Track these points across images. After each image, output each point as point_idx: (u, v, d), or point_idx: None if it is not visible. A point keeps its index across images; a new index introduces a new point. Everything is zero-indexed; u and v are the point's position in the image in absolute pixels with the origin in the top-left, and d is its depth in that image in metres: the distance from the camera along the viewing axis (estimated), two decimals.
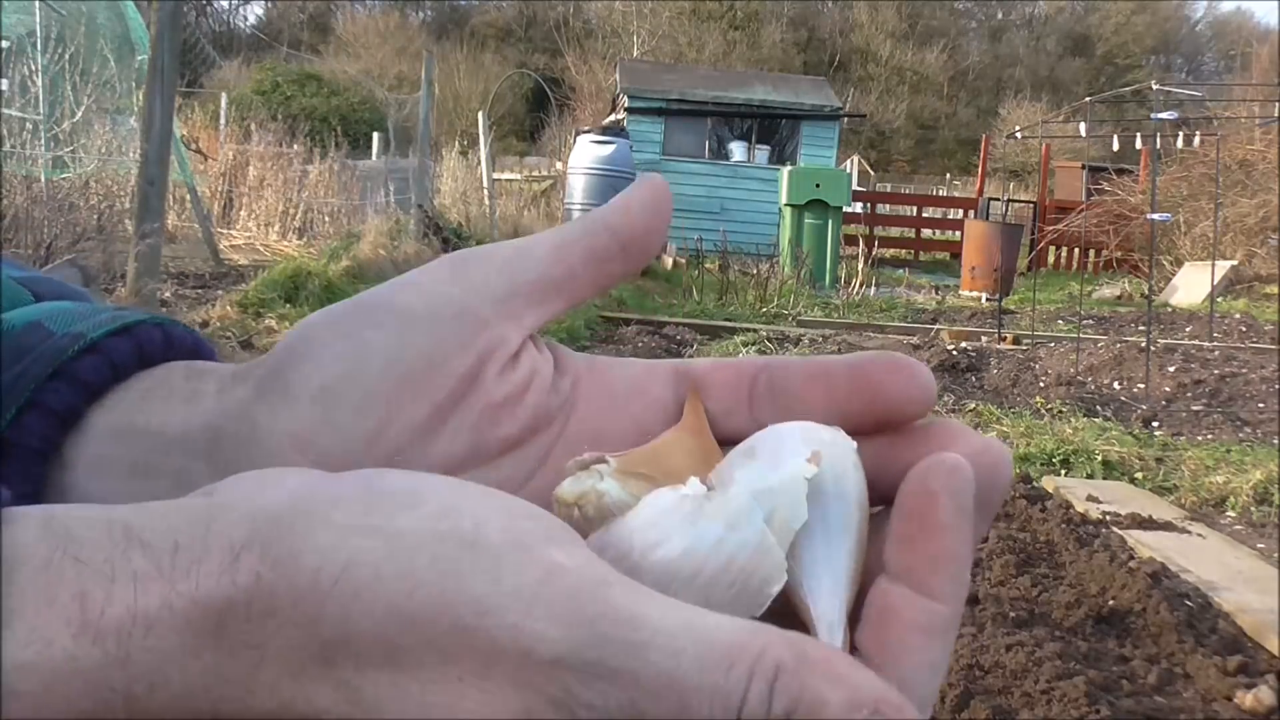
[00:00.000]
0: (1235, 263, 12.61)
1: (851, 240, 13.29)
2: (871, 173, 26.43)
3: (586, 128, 15.91)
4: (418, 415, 0.32)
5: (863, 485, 0.30)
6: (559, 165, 18.88)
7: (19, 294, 0.40)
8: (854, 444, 0.30)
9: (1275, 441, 4.85)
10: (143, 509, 0.26)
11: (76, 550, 0.25)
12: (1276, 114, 12.96)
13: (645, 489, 0.31)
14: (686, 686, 0.23)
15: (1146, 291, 8.08)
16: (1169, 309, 10.62)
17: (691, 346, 7.22)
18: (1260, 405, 5.69)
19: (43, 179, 7.95)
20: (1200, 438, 4.96)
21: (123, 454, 0.35)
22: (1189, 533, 3.36)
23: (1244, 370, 6.32)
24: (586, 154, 14.20)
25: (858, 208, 16.22)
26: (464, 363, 0.33)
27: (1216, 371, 6.23)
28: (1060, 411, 5.18)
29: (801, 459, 0.29)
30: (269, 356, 0.34)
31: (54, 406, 0.35)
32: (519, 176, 20.29)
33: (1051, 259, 15.87)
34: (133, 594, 0.24)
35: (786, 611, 0.28)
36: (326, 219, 11.52)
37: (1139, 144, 11.38)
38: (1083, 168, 16.50)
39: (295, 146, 12.15)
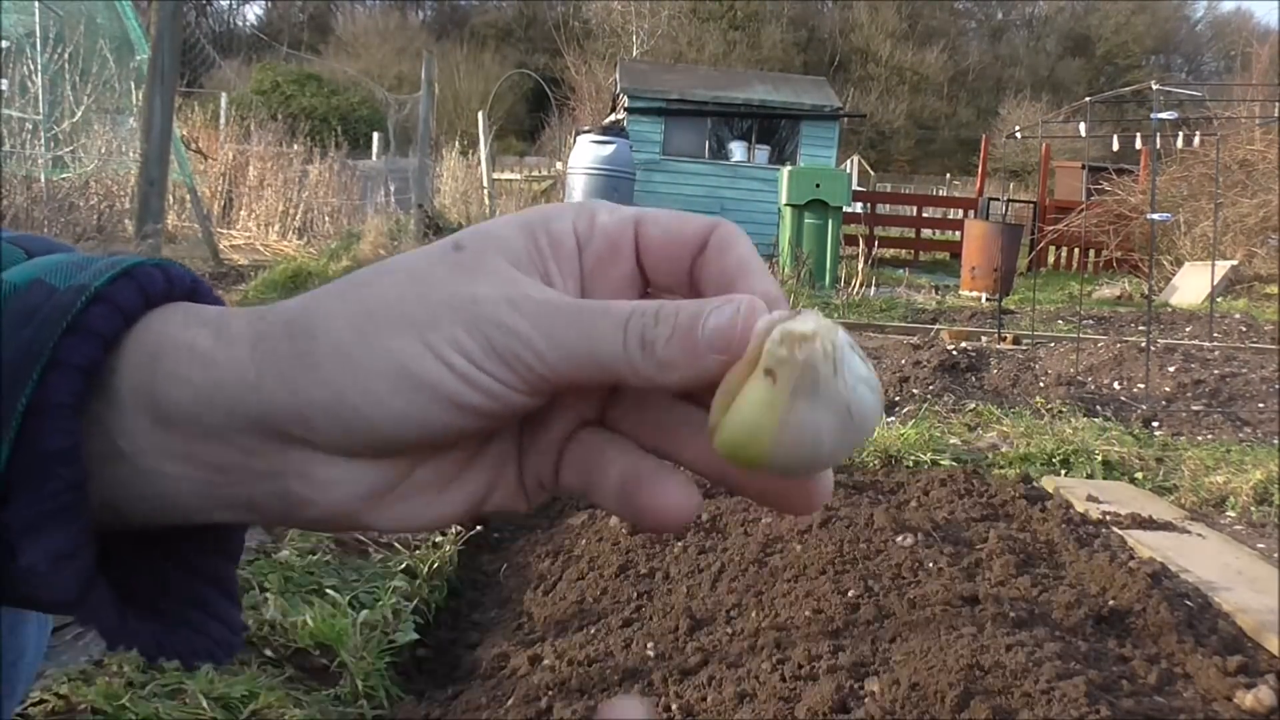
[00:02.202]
0: (1235, 263, 12.61)
1: (851, 240, 13.29)
2: (871, 173, 26.42)
3: (586, 127, 15.91)
4: None
5: None
6: (559, 165, 18.88)
7: (12, 252, 0.41)
8: None
9: (1275, 441, 4.85)
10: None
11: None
12: (1276, 114, 12.96)
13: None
14: None
15: (1146, 291, 8.08)
16: (1169, 309, 10.62)
17: None
18: (1260, 405, 5.69)
19: (43, 179, 7.95)
20: (1200, 438, 4.96)
21: (166, 433, 0.37)
22: (1189, 533, 3.36)
23: (1244, 370, 6.32)
24: (586, 154, 14.19)
25: (858, 207, 16.22)
26: None
27: (1216, 371, 6.23)
28: (1060, 411, 5.18)
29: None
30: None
31: (77, 362, 0.36)
32: (519, 176, 20.29)
33: (1051, 259, 15.86)
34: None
35: None
36: (326, 219, 11.52)
37: (1139, 144, 11.38)
38: (1083, 168, 16.50)
39: (295, 146, 12.15)
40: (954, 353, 6.47)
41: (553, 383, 0.36)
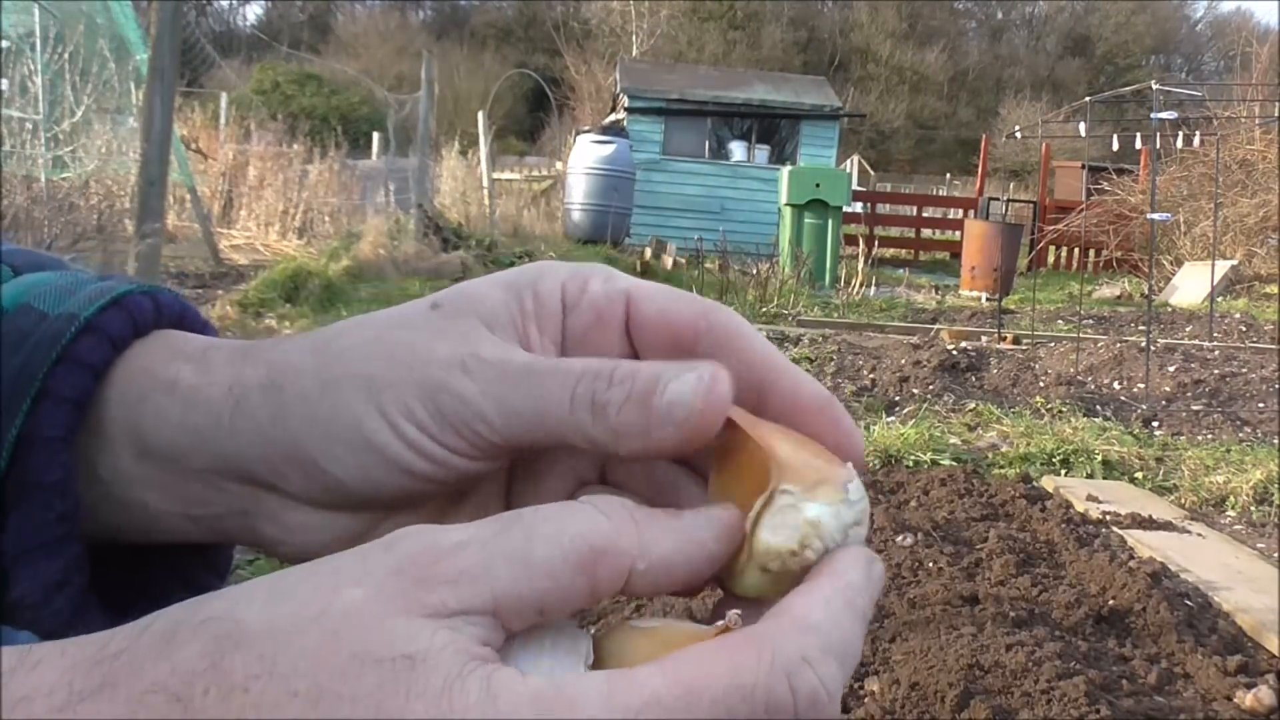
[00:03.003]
0: (1235, 262, 12.61)
1: (851, 240, 13.29)
2: (871, 172, 26.41)
3: (586, 127, 15.92)
4: None
5: None
6: (559, 165, 18.88)
7: None
8: None
9: (1275, 441, 4.85)
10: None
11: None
12: (1276, 114, 12.96)
13: (836, 496, 0.31)
14: None
15: (1146, 291, 8.08)
16: (1169, 309, 10.62)
17: None
18: (1260, 405, 5.69)
19: (43, 179, 7.95)
20: (1200, 437, 4.96)
21: (147, 464, 0.37)
22: (1189, 533, 3.36)
23: (1244, 370, 6.32)
24: (586, 154, 14.20)
25: (858, 207, 16.22)
26: None
27: (1216, 371, 6.23)
28: (1060, 411, 5.18)
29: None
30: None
31: (66, 394, 0.35)
32: (519, 176, 20.29)
33: (1051, 259, 15.87)
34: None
35: None
36: (326, 219, 11.52)
37: (1139, 144, 11.38)
38: (1083, 167, 16.50)
39: (295, 146, 12.15)
40: (954, 352, 6.47)
41: (505, 449, 0.34)
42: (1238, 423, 5.32)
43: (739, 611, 0.30)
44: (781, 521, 0.31)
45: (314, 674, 0.25)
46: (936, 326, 8.73)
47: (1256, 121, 14.04)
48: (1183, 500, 3.89)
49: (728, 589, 0.33)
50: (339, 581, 0.27)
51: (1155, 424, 5.22)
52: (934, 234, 19.60)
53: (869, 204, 17.11)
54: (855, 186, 16.91)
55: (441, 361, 0.34)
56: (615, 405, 0.32)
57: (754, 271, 10.45)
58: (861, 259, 11.16)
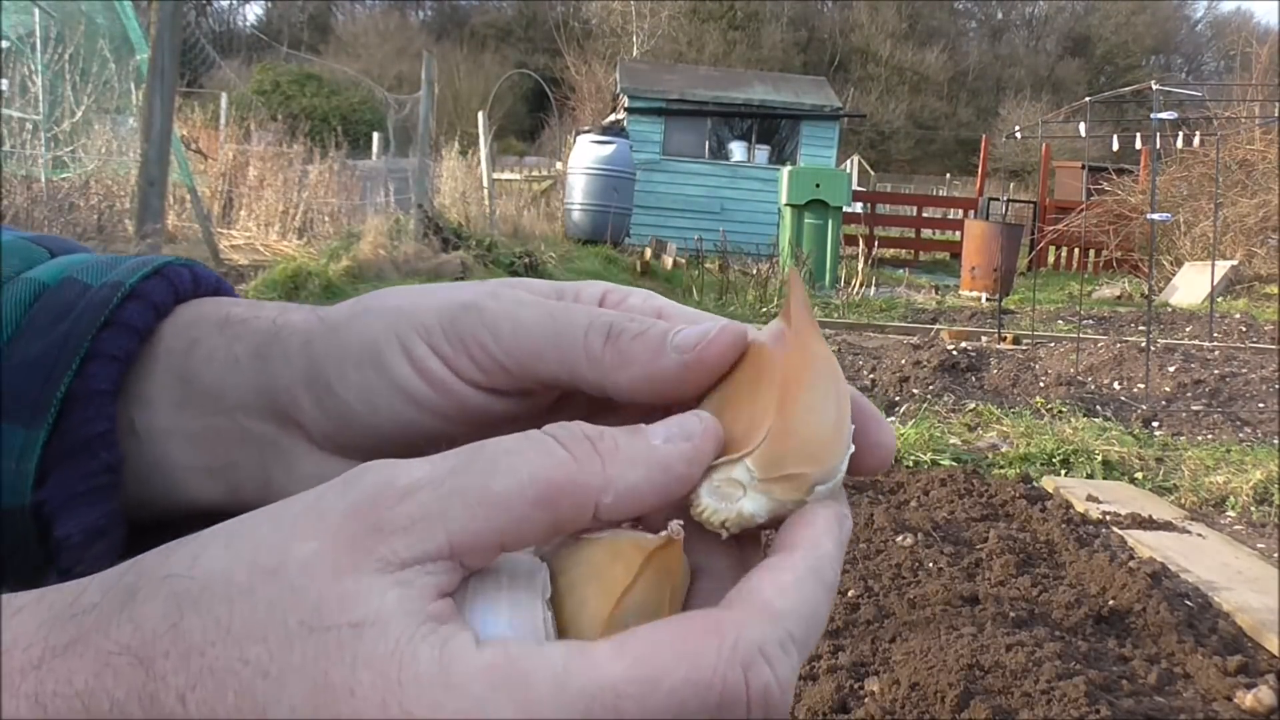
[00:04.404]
0: (1235, 263, 12.60)
1: (851, 240, 13.29)
2: (871, 173, 26.39)
3: (586, 128, 15.90)
4: None
5: None
6: (559, 165, 18.86)
7: (35, 252, 0.42)
8: None
9: (1275, 441, 4.85)
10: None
11: None
12: (1276, 114, 12.96)
13: (794, 494, 0.30)
14: None
15: (1146, 291, 8.08)
16: (1169, 309, 10.61)
17: None
18: (1260, 405, 5.68)
19: (43, 179, 7.95)
20: (1200, 438, 4.96)
21: (186, 411, 0.39)
22: (1189, 533, 3.36)
23: (1244, 370, 6.31)
24: (586, 154, 14.19)
25: (858, 207, 16.21)
26: None
27: (1216, 371, 6.23)
28: (1060, 411, 5.18)
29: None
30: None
31: (113, 353, 0.38)
32: (519, 176, 20.28)
33: (1051, 259, 15.86)
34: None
35: None
36: (326, 219, 11.50)
37: (1139, 144, 11.38)
38: (1083, 168, 16.49)
39: (295, 146, 12.13)
40: (954, 353, 6.47)
41: (508, 370, 0.35)
42: (1238, 423, 5.32)
43: (680, 523, 0.30)
44: (725, 491, 0.31)
45: (265, 641, 0.26)
46: (936, 327, 8.73)
47: (1256, 121, 14.04)
48: (1183, 500, 3.89)
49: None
50: (295, 532, 0.27)
51: (1155, 424, 5.22)
52: (934, 234, 19.60)
53: (869, 204, 17.11)
54: (855, 186, 16.91)
55: (472, 290, 0.36)
56: (629, 334, 0.34)
57: (754, 271, 10.45)
58: (861, 259, 11.16)
